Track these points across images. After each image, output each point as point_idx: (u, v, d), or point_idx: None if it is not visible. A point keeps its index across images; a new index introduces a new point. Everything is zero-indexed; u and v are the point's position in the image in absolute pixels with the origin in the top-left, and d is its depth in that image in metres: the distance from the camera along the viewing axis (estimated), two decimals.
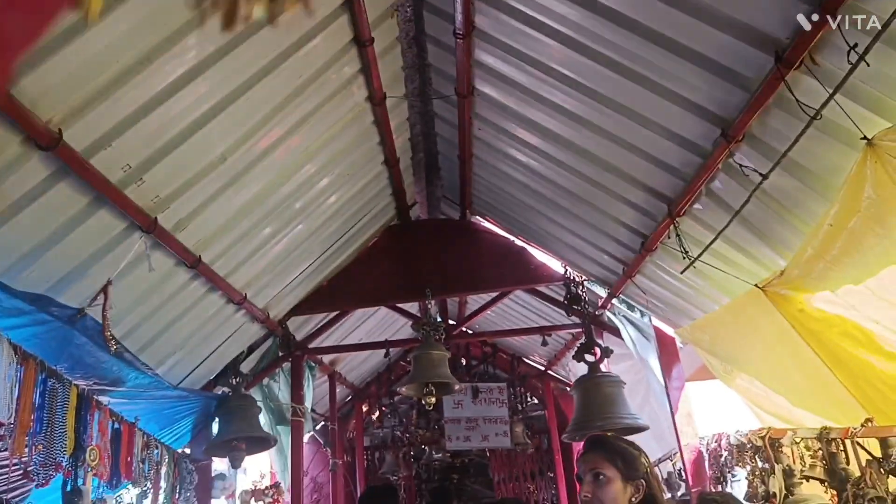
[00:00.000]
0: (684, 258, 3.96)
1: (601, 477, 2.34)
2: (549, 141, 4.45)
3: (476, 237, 6.25)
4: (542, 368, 9.90)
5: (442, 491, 12.55)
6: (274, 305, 5.57)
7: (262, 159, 4.10)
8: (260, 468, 7.00)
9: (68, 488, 3.76)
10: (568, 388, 9.93)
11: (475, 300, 8.06)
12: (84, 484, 3.77)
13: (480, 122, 4.88)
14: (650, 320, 6.04)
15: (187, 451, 5.52)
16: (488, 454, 12.14)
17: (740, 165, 3.29)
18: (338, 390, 9.04)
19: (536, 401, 10.93)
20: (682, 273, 4.07)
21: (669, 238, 4.30)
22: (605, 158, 4.29)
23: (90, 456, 3.77)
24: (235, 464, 5.39)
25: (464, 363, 10.25)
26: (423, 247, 6.21)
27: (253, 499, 5.70)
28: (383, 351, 8.22)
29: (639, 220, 4.56)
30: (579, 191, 4.84)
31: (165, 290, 4.18)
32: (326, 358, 7.75)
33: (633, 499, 2.35)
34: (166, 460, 4.92)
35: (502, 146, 5.07)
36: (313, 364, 7.17)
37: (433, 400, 5.24)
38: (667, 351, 5.85)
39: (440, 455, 10.51)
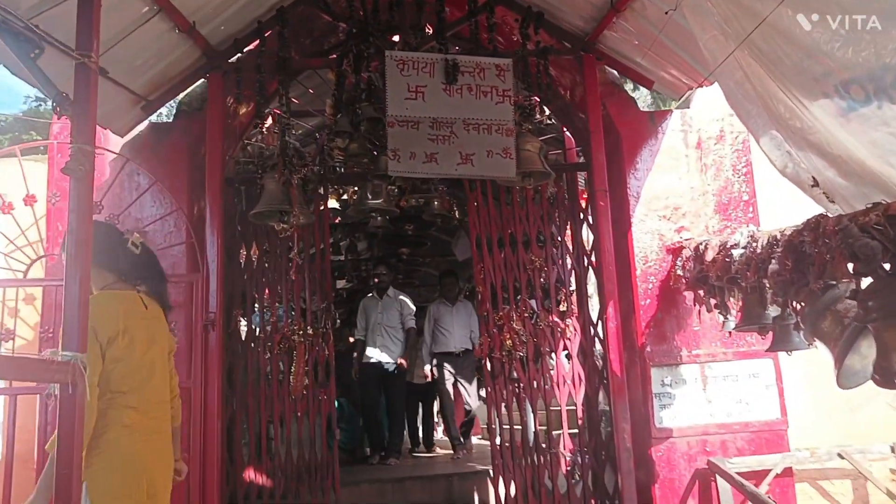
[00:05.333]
0: None
1: None
2: None
3: None
4: (583, 37, 5.08)
5: (385, 271, 7.89)
6: None
7: None
8: None
9: None
10: (628, 81, 5.26)
11: None
12: None
13: None
14: None
15: None
16: (455, 208, 7.77)
17: None
18: (166, 41, 4.15)
19: (550, 117, 6.27)
20: None
21: None
22: None
23: None
24: None
25: (428, 30, 5.39)
26: None
27: None
28: None
29: None
30: None
31: None
32: None
33: None
34: None
35: None
36: None
37: None
38: None
39: (378, 202, 5.94)
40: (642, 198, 5.11)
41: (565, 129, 6.14)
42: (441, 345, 7.68)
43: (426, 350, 7.78)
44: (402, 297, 7.72)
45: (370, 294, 7.80)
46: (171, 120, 5.05)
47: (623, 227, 5.07)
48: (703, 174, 5.16)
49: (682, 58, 4.39)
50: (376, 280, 7.84)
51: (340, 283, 10.38)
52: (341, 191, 7.41)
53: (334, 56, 4.93)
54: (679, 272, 4.80)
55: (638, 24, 4.43)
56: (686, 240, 4.96)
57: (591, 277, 5.48)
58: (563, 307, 5.41)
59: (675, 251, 4.95)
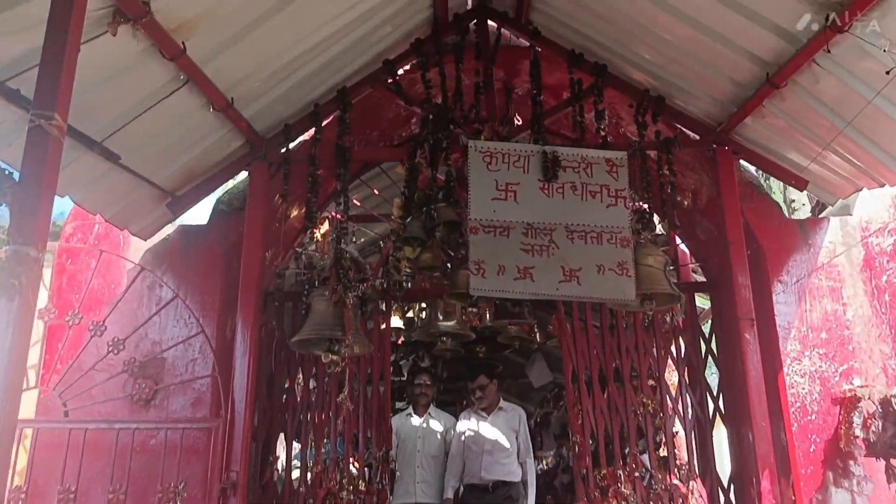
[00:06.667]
0: None
1: None
2: None
3: None
4: (715, 126, 4.08)
5: (428, 382, 5.84)
6: None
7: None
8: None
9: None
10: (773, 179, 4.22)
11: None
12: None
13: None
14: None
15: None
16: (536, 329, 6.64)
17: None
18: (197, 121, 3.34)
19: (658, 227, 5.21)
20: None
21: None
22: None
23: None
24: None
25: (517, 121, 4.52)
26: None
27: None
28: None
29: None
30: None
31: None
32: None
33: None
34: None
35: None
36: None
37: None
38: None
39: (450, 324, 5.00)
40: (794, 330, 3.94)
41: (677, 240, 5.07)
42: (467, 473, 5.54)
43: (449, 478, 5.58)
44: (446, 418, 5.95)
45: (406, 412, 5.94)
46: (206, 222, 4.18)
47: (771, 368, 3.88)
48: (876, 300, 3.98)
49: (867, 149, 3.32)
50: (416, 392, 5.94)
51: (399, 405, 9.23)
52: (406, 307, 6.39)
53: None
54: (857, 431, 3.56)
55: (799, 106, 3.41)
56: (860, 387, 3.74)
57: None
58: (679, 463, 4.21)
59: (846, 402, 3.72)
